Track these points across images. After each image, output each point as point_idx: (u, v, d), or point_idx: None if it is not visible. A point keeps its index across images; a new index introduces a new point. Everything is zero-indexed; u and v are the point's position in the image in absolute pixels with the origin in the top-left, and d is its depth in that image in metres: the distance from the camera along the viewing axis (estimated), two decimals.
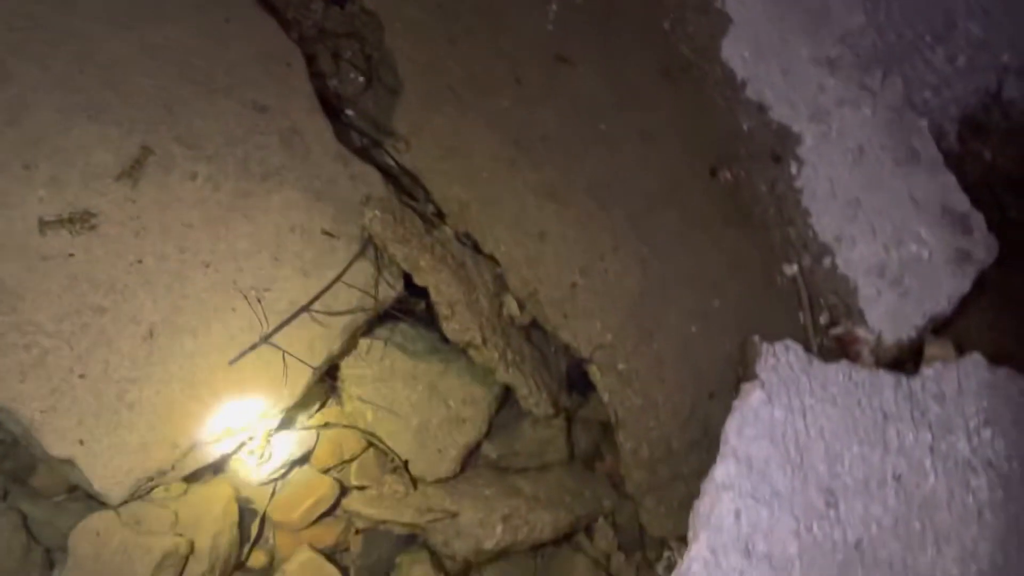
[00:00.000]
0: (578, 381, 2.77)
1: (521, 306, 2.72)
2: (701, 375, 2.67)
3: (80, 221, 2.23)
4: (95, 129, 2.32)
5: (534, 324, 2.74)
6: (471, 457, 2.66)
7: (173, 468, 2.24)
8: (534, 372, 2.67)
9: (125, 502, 2.21)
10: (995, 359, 2.51)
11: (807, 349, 2.48)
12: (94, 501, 2.28)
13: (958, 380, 2.46)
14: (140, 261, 2.28)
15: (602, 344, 2.65)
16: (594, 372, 2.64)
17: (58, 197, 2.25)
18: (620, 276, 2.71)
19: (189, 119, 2.41)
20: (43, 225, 2.21)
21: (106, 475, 2.15)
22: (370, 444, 2.60)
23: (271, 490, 2.49)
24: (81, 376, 2.17)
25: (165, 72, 2.43)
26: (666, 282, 2.74)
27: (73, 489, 2.33)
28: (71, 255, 2.23)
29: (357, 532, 2.53)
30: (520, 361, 2.66)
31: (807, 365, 2.44)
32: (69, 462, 2.14)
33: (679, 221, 2.80)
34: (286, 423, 2.48)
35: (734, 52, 2.85)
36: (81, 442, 2.14)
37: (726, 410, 2.38)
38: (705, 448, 2.56)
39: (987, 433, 2.40)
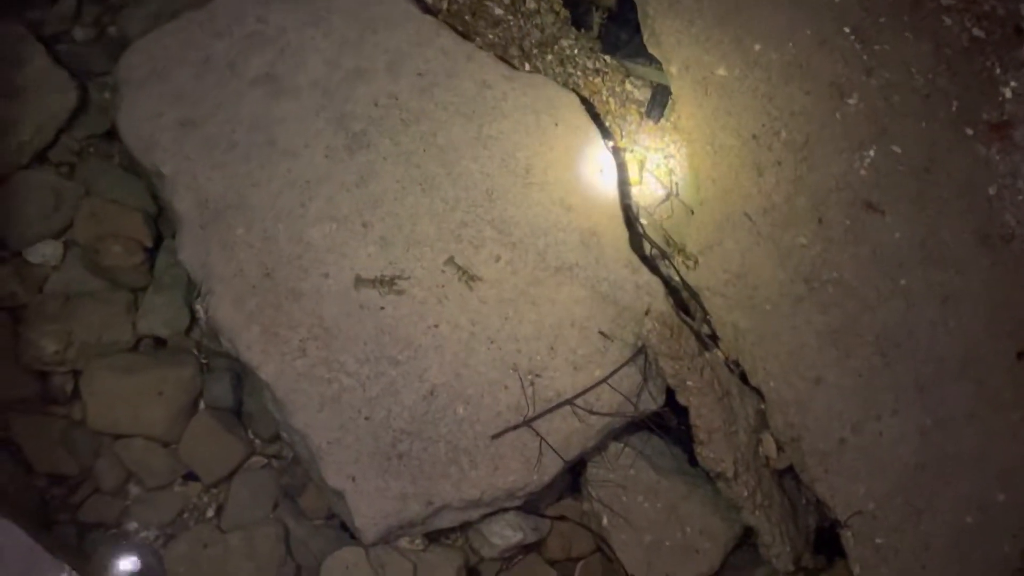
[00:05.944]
0: (826, 543, 2.59)
1: (780, 448, 2.62)
2: (970, 573, 2.41)
3: (389, 284, 2.47)
4: (425, 201, 2.59)
5: (790, 470, 2.62)
6: None
7: (423, 523, 2.38)
8: (781, 521, 2.55)
9: (375, 544, 2.37)
10: None
11: None
12: (346, 533, 2.48)
13: None
14: (437, 326, 2.48)
15: (862, 511, 2.48)
16: (847, 538, 2.48)
17: (382, 256, 2.52)
18: (895, 442, 2.53)
19: (504, 206, 2.62)
20: (358, 282, 2.48)
21: (367, 515, 2.32)
22: (599, 548, 2.60)
23: (497, 568, 2.56)
24: (367, 418, 2.38)
25: (492, 161, 2.66)
26: (946, 460, 2.52)
27: (331, 516, 2.54)
28: (382, 308, 2.48)
29: None
30: (768, 505, 2.55)
31: None
32: (339, 494, 2.34)
33: (972, 398, 2.58)
34: (526, 506, 2.55)
35: None
36: (353, 479, 2.34)
37: None
38: None
39: None
